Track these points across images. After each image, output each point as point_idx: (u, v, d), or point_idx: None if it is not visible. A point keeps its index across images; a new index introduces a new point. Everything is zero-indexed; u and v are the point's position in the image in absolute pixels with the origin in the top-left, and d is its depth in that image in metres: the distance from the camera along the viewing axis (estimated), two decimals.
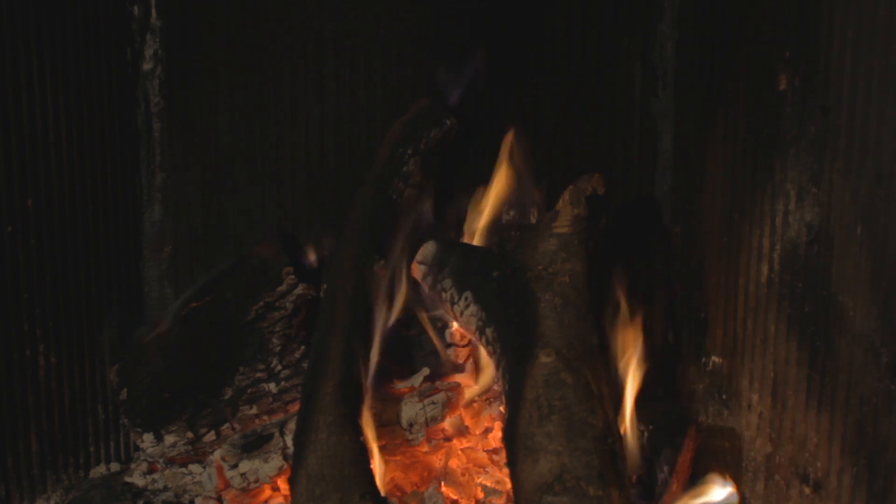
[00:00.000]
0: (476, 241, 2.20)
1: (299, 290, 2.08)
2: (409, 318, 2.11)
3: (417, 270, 2.03)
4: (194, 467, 2.10)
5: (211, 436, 2.06)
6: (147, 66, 2.27)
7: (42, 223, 1.96)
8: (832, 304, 1.65)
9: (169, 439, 2.05)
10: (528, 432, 1.54)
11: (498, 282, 1.84)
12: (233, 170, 2.34)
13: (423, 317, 2.10)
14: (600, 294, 1.93)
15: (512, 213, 2.30)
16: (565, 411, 1.54)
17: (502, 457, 1.91)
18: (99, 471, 2.15)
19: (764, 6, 1.85)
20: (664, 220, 2.34)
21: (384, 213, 2.07)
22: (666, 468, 1.91)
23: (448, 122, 2.19)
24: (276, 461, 1.93)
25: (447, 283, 1.95)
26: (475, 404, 2.09)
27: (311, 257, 2.23)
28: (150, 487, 2.08)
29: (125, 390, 2.09)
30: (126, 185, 2.26)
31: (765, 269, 1.85)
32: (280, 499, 1.94)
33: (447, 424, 2.04)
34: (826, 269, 1.66)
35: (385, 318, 1.96)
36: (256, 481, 1.92)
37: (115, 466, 2.17)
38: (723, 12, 2.03)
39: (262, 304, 2.07)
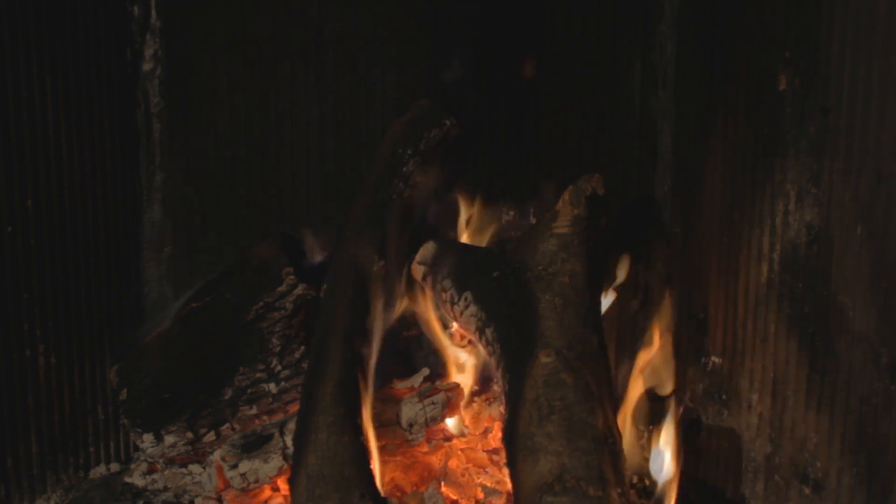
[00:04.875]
0: (476, 242, 2.20)
1: (299, 290, 2.08)
2: (409, 319, 2.11)
3: (417, 270, 2.03)
4: (194, 467, 2.10)
5: (211, 436, 2.06)
6: (147, 66, 2.27)
7: (42, 223, 1.96)
8: (832, 304, 1.65)
9: (169, 439, 2.05)
10: (528, 432, 1.54)
11: (498, 282, 1.84)
12: (233, 170, 2.34)
13: (431, 318, 2.09)
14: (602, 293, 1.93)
15: (512, 213, 2.30)
16: (565, 411, 1.54)
17: (502, 457, 1.91)
18: (99, 471, 2.15)
19: (764, 6, 1.85)
20: (664, 221, 2.33)
21: (384, 213, 2.06)
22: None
23: (448, 122, 2.19)
24: (276, 461, 1.92)
25: (447, 283, 1.95)
26: (475, 404, 2.09)
27: (312, 252, 2.23)
28: (149, 488, 2.08)
29: (125, 390, 2.08)
30: (126, 185, 2.26)
31: (765, 269, 1.85)
32: (280, 499, 1.94)
33: (447, 424, 2.04)
34: (826, 269, 1.66)
35: (385, 319, 1.96)
36: (256, 481, 1.92)
37: (115, 466, 2.18)
38: (723, 12, 2.03)
39: (261, 304, 2.07)
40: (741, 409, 1.95)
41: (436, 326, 2.10)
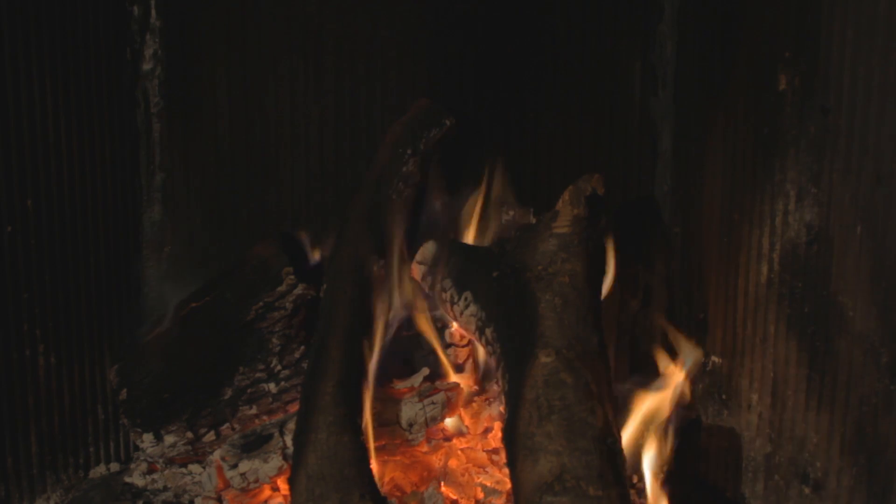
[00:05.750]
0: (476, 242, 2.20)
1: (299, 290, 2.08)
2: (408, 319, 2.11)
3: (417, 270, 2.03)
4: (194, 467, 2.10)
5: (210, 436, 2.06)
6: (147, 66, 2.27)
7: (42, 223, 1.96)
8: (832, 304, 1.65)
9: (168, 439, 2.05)
10: (528, 432, 1.54)
11: (498, 282, 1.84)
12: (233, 170, 2.33)
13: (422, 319, 2.09)
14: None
15: (512, 213, 2.29)
16: (565, 411, 1.54)
17: (502, 457, 1.91)
18: (99, 471, 2.15)
19: (764, 6, 1.85)
20: (664, 220, 2.34)
21: (384, 213, 2.06)
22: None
23: (447, 122, 2.19)
24: (276, 461, 1.92)
25: (447, 283, 1.95)
26: (475, 404, 2.09)
27: (312, 252, 2.23)
28: (149, 487, 2.08)
29: (125, 390, 2.09)
30: (126, 185, 2.26)
31: (765, 269, 1.85)
32: (280, 499, 1.94)
33: (447, 424, 2.04)
34: (826, 269, 1.66)
35: (385, 319, 1.96)
36: (256, 481, 1.92)
37: (114, 466, 2.18)
38: (723, 12, 2.03)
39: (261, 304, 2.07)
40: (741, 408, 1.95)
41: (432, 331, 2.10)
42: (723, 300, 2.02)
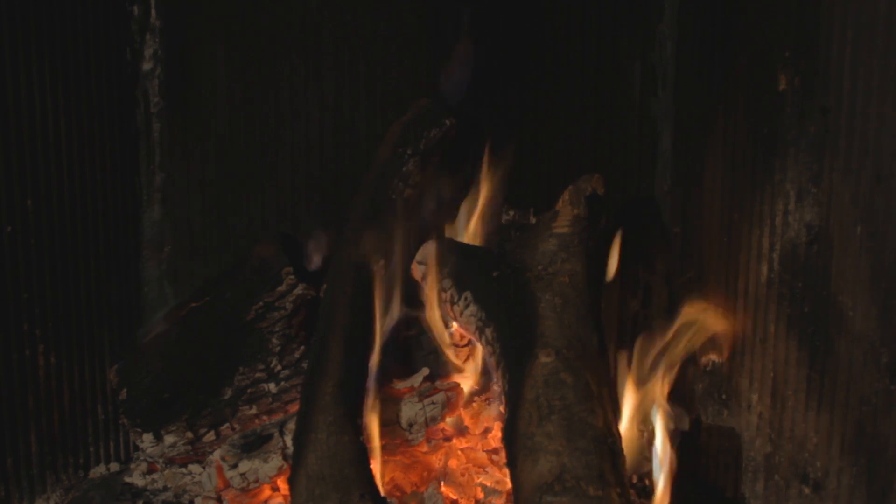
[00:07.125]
0: (475, 242, 2.20)
1: (299, 290, 2.08)
2: (408, 318, 2.11)
3: (417, 270, 2.03)
4: (194, 467, 2.10)
5: (210, 436, 2.06)
6: (147, 66, 2.27)
7: (42, 223, 1.96)
8: (832, 304, 1.65)
9: (168, 439, 2.05)
10: (528, 432, 1.54)
11: (498, 282, 1.84)
12: (233, 170, 2.34)
13: (433, 316, 2.09)
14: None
15: (512, 213, 2.30)
16: (565, 411, 1.54)
17: (502, 457, 1.91)
18: (99, 471, 2.15)
19: (764, 6, 1.85)
20: (664, 220, 2.34)
21: (384, 212, 2.06)
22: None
23: (448, 122, 2.19)
24: (276, 461, 1.92)
25: (447, 283, 1.95)
26: (475, 404, 2.09)
27: (313, 257, 2.23)
28: (149, 487, 2.08)
29: (125, 390, 2.09)
30: (126, 185, 2.26)
31: (764, 269, 1.85)
32: (280, 499, 1.94)
33: (447, 424, 2.04)
34: (826, 269, 1.66)
35: (385, 319, 1.96)
36: (256, 481, 1.92)
37: (114, 466, 2.18)
38: (723, 12, 2.03)
39: (261, 304, 2.07)
40: (741, 408, 1.95)
41: (439, 326, 2.10)
42: (723, 300, 2.02)
